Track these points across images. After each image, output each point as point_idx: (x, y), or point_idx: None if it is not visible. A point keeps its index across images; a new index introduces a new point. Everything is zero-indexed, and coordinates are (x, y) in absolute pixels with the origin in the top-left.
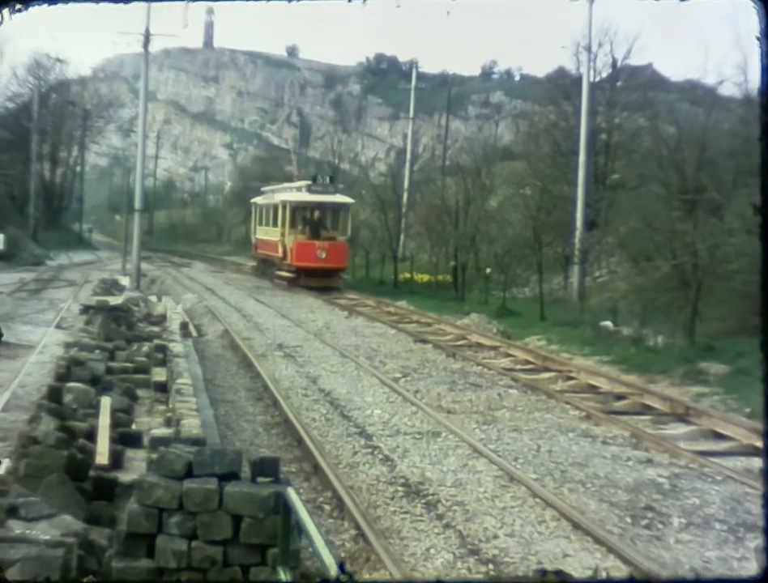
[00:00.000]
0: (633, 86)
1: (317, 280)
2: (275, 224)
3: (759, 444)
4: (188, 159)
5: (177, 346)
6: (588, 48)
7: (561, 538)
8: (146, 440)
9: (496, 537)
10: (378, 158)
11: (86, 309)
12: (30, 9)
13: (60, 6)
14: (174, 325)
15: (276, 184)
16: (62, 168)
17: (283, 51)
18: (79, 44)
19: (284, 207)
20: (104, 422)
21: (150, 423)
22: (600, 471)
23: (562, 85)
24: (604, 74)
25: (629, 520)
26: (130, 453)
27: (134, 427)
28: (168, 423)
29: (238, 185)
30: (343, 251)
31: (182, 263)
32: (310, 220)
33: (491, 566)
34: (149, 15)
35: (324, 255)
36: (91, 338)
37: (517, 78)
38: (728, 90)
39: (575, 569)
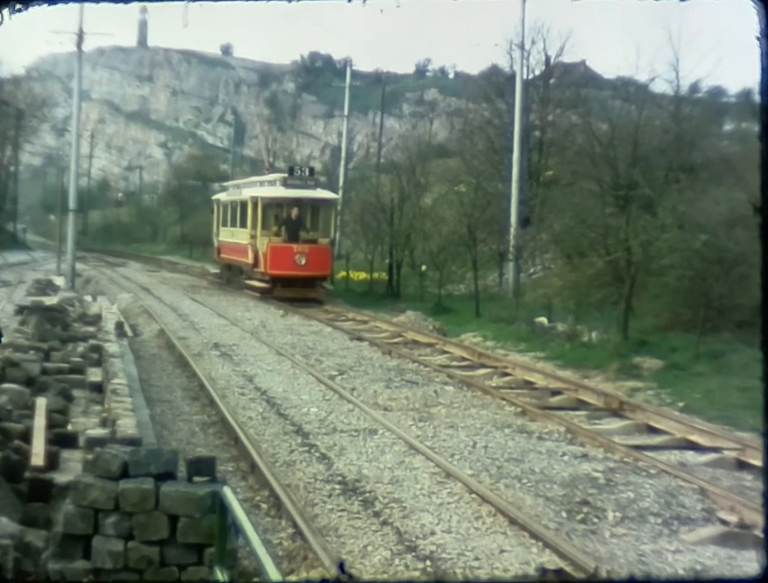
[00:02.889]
0: (566, 83)
1: (296, 291)
2: (243, 225)
3: (692, 437)
4: (122, 159)
5: (112, 347)
6: (521, 46)
7: (497, 534)
8: (81, 441)
9: (433, 533)
10: (313, 156)
11: (20, 310)
12: (30, 9)
13: (60, 5)
14: (109, 325)
15: (242, 177)
16: None
17: (218, 49)
18: (12, 43)
19: (255, 204)
20: (39, 423)
21: (86, 423)
22: (536, 467)
23: (496, 82)
24: (537, 72)
25: (564, 515)
26: (66, 453)
27: (69, 427)
28: (103, 423)
29: (173, 184)
30: (325, 256)
31: (117, 263)
32: (287, 220)
33: (428, 562)
34: (82, 14)
35: (304, 261)
36: (26, 339)
37: (451, 75)
38: (660, 87)
39: (512, 564)
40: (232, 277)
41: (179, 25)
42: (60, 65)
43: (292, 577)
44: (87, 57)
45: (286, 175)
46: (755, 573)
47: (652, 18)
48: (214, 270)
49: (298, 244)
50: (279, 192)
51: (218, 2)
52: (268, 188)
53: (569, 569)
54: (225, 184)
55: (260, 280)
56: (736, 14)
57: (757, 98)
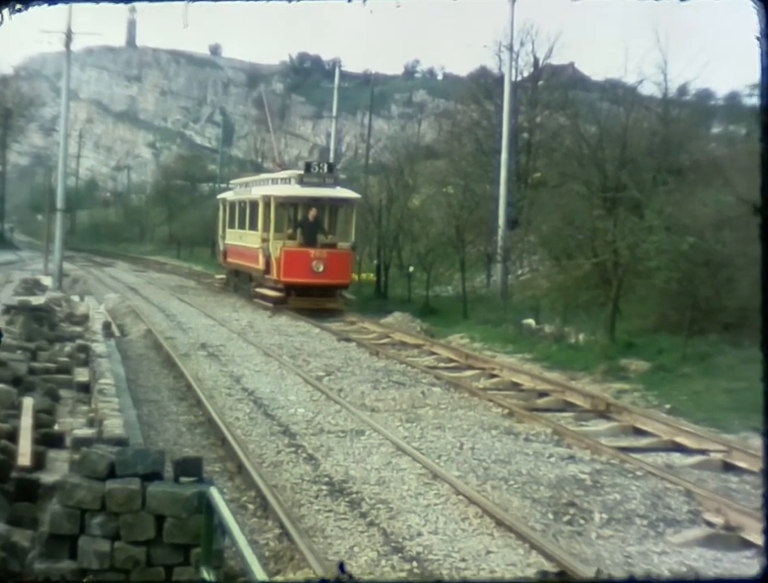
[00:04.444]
0: (554, 85)
1: (313, 300)
2: (253, 227)
3: (679, 439)
4: (110, 159)
5: (99, 347)
6: (510, 48)
7: (484, 535)
8: (68, 441)
9: (419, 534)
10: (302, 157)
11: (7, 309)
12: (30, 9)
13: (60, 5)
14: (97, 325)
15: (251, 175)
16: None
17: (206, 50)
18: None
19: (267, 204)
20: (26, 423)
21: (72, 423)
22: (523, 468)
23: (484, 84)
24: (526, 74)
25: (551, 516)
26: (53, 453)
27: (56, 427)
28: (90, 423)
29: (161, 184)
30: (345, 262)
31: (105, 263)
32: (303, 221)
33: (414, 564)
34: (71, 14)
35: (321, 268)
36: (13, 339)
37: (440, 77)
38: (648, 89)
39: (498, 565)
40: (239, 284)
41: (168, 25)
42: (48, 64)
43: (279, 578)
44: (76, 56)
45: (302, 172)
46: (755, 573)
47: (641, 19)
48: (219, 275)
49: (315, 248)
50: (295, 190)
51: (215, 2)
52: (282, 186)
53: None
54: (233, 182)
55: (272, 288)
56: (726, 15)
57: (744, 101)
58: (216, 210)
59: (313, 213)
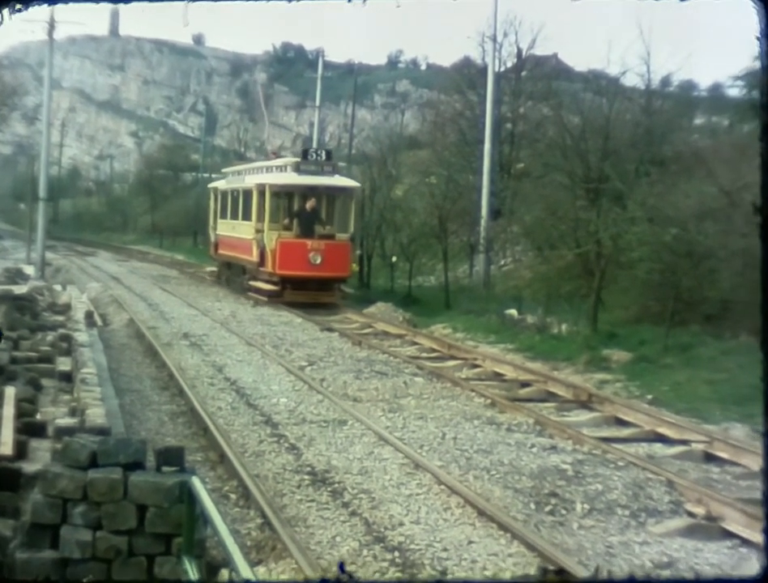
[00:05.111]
0: (537, 75)
1: (310, 294)
2: (246, 217)
3: (660, 429)
4: (93, 148)
5: (81, 336)
6: (493, 38)
7: (466, 525)
8: (50, 430)
9: (401, 524)
10: (285, 146)
11: None
12: (30, 9)
13: (60, 5)
14: (79, 315)
15: (243, 163)
16: None
17: (190, 39)
18: None
19: (262, 193)
20: (7, 412)
21: (54, 412)
22: (505, 458)
23: (468, 74)
24: (509, 64)
25: (533, 506)
26: (35, 443)
27: (38, 416)
28: (72, 412)
29: (144, 174)
30: (344, 254)
31: (87, 252)
32: (300, 211)
33: (397, 553)
34: (53, 2)
35: (319, 260)
36: None
37: (423, 67)
38: (631, 80)
39: (480, 555)
40: (232, 277)
41: (151, 14)
42: (31, 53)
43: (261, 569)
44: (59, 45)
45: (298, 159)
46: (755, 573)
47: (629, 13)
48: (211, 267)
49: (313, 239)
50: (291, 179)
51: (215, 2)
52: (277, 174)
53: (536, 561)
54: (225, 170)
55: (267, 282)
56: (725, 14)
57: (728, 92)
58: (207, 199)
59: (310, 203)
